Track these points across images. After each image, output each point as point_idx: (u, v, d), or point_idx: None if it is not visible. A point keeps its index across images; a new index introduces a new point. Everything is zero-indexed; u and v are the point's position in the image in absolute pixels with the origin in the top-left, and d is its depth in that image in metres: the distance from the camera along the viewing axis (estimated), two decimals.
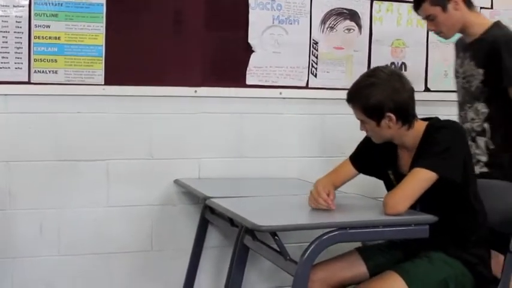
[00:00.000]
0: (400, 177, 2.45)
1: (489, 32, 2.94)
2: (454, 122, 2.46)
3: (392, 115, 2.39)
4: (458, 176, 2.37)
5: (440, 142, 2.37)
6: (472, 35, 2.99)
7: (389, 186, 2.52)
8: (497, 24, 2.98)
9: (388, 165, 2.59)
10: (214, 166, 3.42)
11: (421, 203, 2.41)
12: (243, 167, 3.42)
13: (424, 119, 2.50)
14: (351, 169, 2.66)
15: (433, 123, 2.46)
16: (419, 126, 2.46)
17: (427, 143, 2.40)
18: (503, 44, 2.85)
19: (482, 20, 3.04)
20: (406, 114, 2.42)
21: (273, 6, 3.46)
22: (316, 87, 3.38)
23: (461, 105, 3.06)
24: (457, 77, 3.13)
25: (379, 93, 2.38)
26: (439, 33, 3.04)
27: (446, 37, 3.06)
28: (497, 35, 2.90)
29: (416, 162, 2.38)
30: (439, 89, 3.78)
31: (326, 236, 2.23)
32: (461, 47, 3.12)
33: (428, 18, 2.98)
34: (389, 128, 2.43)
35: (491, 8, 3.84)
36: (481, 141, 2.94)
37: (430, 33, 3.72)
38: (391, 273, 2.40)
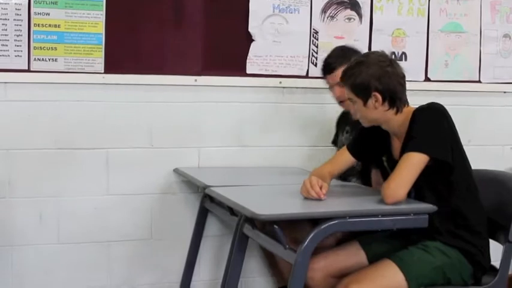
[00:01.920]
0: (393, 163, 2.47)
1: None
2: (437, 103, 2.46)
3: (378, 95, 2.44)
4: (448, 156, 2.39)
5: (426, 124, 2.40)
6: None
7: (385, 173, 2.54)
8: None
9: (382, 152, 2.62)
10: (214, 155, 3.42)
11: (416, 191, 2.42)
12: (243, 156, 3.42)
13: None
14: (348, 157, 2.68)
15: (418, 107, 2.48)
16: (408, 112, 2.48)
17: (414, 127, 2.42)
18: None
19: None
20: (393, 96, 2.46)
21: None
22: (316, 77, 3.36)
23: None
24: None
25: (367, 72, 2.44)
26: (340, 102, 3.04)
27: (348, 107, 3.02)
28: None
29: (406, 147, 2.40)
30: (439, 79, 3.77)
31: (325, 225, 2.23)
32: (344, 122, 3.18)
33: (339, 84, 2.92)
34: (376, 109, 2.47)
35: None
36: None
37: (430, 22, 3.73)
38: (386, 260, 2.42)
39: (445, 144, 2.40)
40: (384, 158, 2.63)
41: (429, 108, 2.45)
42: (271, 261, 3.34)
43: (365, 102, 2.48)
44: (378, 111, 2.48)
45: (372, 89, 2.44)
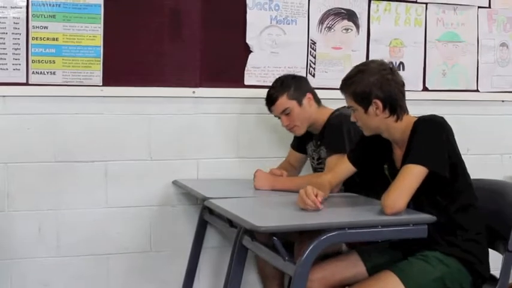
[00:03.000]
0: (394, 171, 2.48)
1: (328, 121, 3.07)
2: (438, 116, 2.48)
3: (379, 102, 2.46)
4: (446, 170, 2.40)
5: (426, 136, 2.41)
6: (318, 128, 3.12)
7: (385, 183, 2.54)
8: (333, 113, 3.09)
9: (383, 160, 2.63)
10: (213, 167, 3.42)
11: (414, 202, 2.43)
12: (242, 168, 3.42)
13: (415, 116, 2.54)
14: (349, 166, 2.70)
15: (419, 118, 2.50)
16: (409, 121, 2.50)
17: (414, 138, 2.43)
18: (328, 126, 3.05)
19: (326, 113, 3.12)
20: (393, 104, 2.48)
21: (271, 6, 3.46)
22: (314, 87, 3.36)
23: None
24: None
25: (367, 80, 2.47)
26: (291, 129, 3.13)
27: (299, 132, 3.15)
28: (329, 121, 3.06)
29: (406, 159, 2.42)
30: (437, 89, 3.78)
31: (325, 236, 2.23)
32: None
33: (284, 112, 3.08)
34: (377, 116, 2.49)
35: (489, 7, 3.85)
36: None
37: (428, 32, 3.74)
38: (386, 272, 2.42)
39: (443, 157, 2.41)
40: (385, 166, 2.64)
41: (430, 120, 2.46)
42: (262, 276, 3.36)
43: (366, 110, 2.50)
44: (378, 119, 2.50)
45: (372, 96, 2.46)
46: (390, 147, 2.60)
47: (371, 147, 2.65)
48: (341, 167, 2.72)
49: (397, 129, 2.52)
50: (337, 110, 3.06)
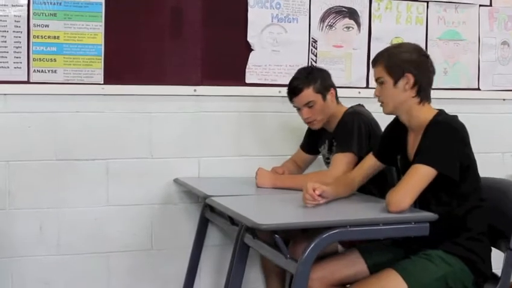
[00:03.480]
0: (406, 162, 2.49)
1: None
2: (455, 118, 2.47)
3: (411, 77, 2.47)
4: (456, 173, 2.40)
5: (439, 138, 2.41)
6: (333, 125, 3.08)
7: (398, 173, 2.55)
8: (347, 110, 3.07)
9: (398, 150, 2.62)
10: (214, 165, 3.42)
11: (420, 200, 2.43)
12: (243, 166, 3.41)
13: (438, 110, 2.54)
14: (374, 162, 2.69)
15: (438, 115, 2.49)
16: (430, 112, 2.50)
17: (428, 137, 2.43)
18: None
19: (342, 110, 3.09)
20: (423, 85, 2.49)
21: (272, 4, 3.45)
22: None
23: None
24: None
25: (406, 55, 2.50)
26: (310, 122, 3.08)
27: (316, 126, 3.11)
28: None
29: (417, 157, 2.41)
30: (438, 87, 3.73)
31: (326, 234, 2.23)
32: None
33: (307, 105, 3.02)
34: (405, 91, 2.48)
35: (490, 5, 3.84)
36: None
37: (429, 31, 3.74)
38: (389, 270, 2.41)
39: (453, 160, 2.39)
40: (398, 157, 2.63)
41: (446, 122, 2.45)
42: (266, 271, 3.36)
43: (395, 82, 2.49)
44: (405, 95, 2.49)
45: (406, 69, 2.47)
46: (406, 136, 2.59)
47: (391, 140, 2.64)
48: (365, 163, 2.71)
49: (417, 114, 2.50)
50: (351, 107, 3.04)
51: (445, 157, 2.38)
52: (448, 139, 2.40)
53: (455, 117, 2.50)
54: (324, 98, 3.03)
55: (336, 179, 2.72)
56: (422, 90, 2.49)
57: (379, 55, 2.56)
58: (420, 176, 2.37)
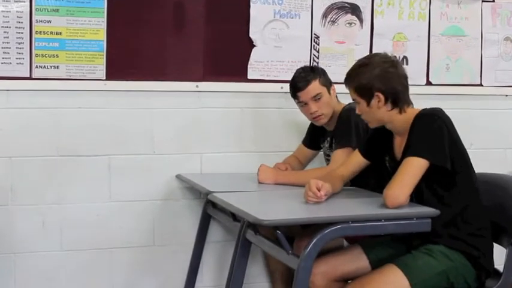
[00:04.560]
0: (394, 163, 2.50)
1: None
2: (439, 109, 2.49)
3: (381, 95, 2.49)
4: (447, 162, 2.41)
5: (427, 130, 2.43)
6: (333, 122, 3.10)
7: (387, 174, 2.55)
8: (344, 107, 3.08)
9: (385, 151, 2.64)
10: (216, 161, 3.42)
11: (417, 196, 2.44)
12: (245, 162, 3.42)
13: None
14: (360, 159, 2.72)
15: (421, 111, 2.51)
16: (412, 113, 2.51)
17: (415, 131, 2.45)
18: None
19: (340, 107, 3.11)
20: (395, 97, 2.50)
21: (274, 0, 3.45)
22: None
23: None
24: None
25: (369, 74, 2.50)
26: (317, 116, 3.08)
27: (322, 121, 3.11)
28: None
29: (407, 151, 2.43)
30: (441, 83, 3.77)
31: (328, 230, 2.23)
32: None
33: (315, 97, 3.03)
34: (379, 109, 2.51)
35: (493, 1, 3.83)
36: None
37: (431, 26, 3.73)
38: (390, 265, 2.42)
39: (444, 149, 2.41)
40: (386, 158, 2.64)
41: (431, 113, 2.47)
42: (271, 268, 3.37)
43: (368, 103, 2.52)
44: (381, 111, 2.52)
45: (374, 89, 2.49)
46: (392, 138, 2.61)
47: (378, 139, 2.66)
48: (352, 160, 2.73)
49: (400, 121, 2.53)
50: (349, 104, 3.05)
51: (435, 147, 2.40)
52: (434, 129, 2.42)
53: (438, 108, 2.50)
54: (329, 91, 3.07)
55: (328, 174, 2.71)
56: (398, 101, 2.51)
57: (348, 77, 2.59)
58: (413, 168, 2.38)
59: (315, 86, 3.04)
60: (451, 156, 2.42)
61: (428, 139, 2.41)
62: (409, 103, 2.54)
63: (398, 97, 2.50)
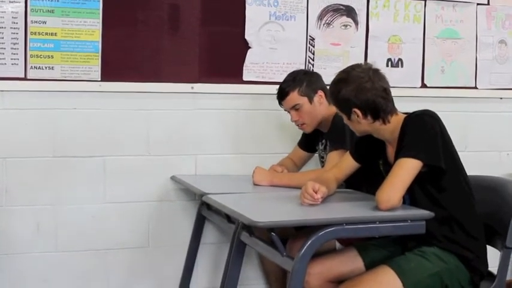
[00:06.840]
0: (388, 167, 2.49)
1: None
2: (428, 110, 2.49)
3: (358, 111, 2.48)
4: (440, 161, 2.41)
5: (418, 130, 2.42)
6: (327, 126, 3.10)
7: (381, 178, 2.55)
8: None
9: (378, 156, 2.64)
10: (211, 162, 3.42)
11: (410, 197, 2.45)
12: (240, 164, 3.42)
13: (405, 113, 2.54)
14: (352, 162, 2.71)
15: (411, 113, 2.51)
16: (398, 120, 2.50)
17: (406, 133, 2.44)
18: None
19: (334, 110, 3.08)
20: (374, 110, 2.48)
21: (270, 2, 3.45)
22: None
23: None
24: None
25: (345, 90, 2.49)
26: (300, 125, 3.12)
27: (306, 130, 3.15)
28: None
29: (399, 153, 2.42)
30: (435, 85, 3.78)
31: (322, 232, 2.23)
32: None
33: (294, 107, 3.07)
34: (359, 123, 2.52)
35: (488, 4, 3.84)
36: None
37: (427, 29, 3.74)
38: (383, 266, 2.42)
39: (436, 149, 2.41)
40: (380, 162, 2.64)
41: (421, 114, 2.47)
42: (266, 270, 3.37)
43: (348, 117, 2.54)
44: (363, 125, 2.52)
45: (351, 105, 2.48)
46: (384, 143, 2.61)
47: (370, 142, 2.66)
48: (344, 162, 2.73)
49: (386, 131, 2.53)
50: None
51: (428, 147, 2.40)
52: (427, 129, 2.42)
53: (426, 109, 2.50)
54: (311, 100, 3.06)
55: (322, 176, 2.70)
56: (379, 114, 2.49)
57: (330, 92, 2.61)
58: (405, 170, 2.38)
59: (293, 97, 3.06)
60: (444, 156, 2.42)
61: (421, 140, 2.40)
62: (392, 113, 2.51)
63: (378, 110, 2.47)
